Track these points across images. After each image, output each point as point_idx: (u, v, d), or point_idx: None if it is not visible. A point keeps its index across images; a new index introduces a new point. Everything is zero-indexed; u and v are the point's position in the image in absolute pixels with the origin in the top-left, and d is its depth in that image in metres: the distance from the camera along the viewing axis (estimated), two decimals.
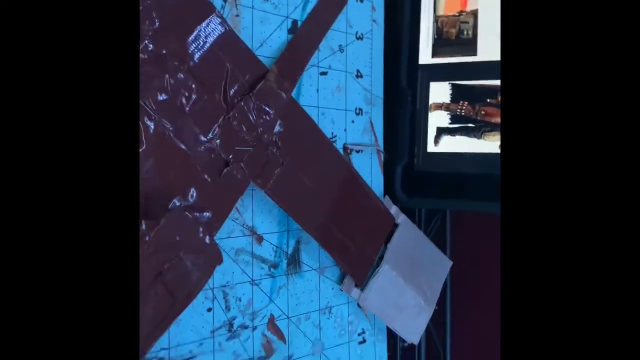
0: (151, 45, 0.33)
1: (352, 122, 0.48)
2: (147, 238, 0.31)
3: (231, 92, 0.37)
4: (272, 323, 0.41)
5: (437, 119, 0.50)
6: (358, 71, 0.48)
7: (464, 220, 0.59)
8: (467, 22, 0.49)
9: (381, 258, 0.46)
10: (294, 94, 0.42)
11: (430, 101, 0.50)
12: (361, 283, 0.45)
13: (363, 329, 0.49)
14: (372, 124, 0.50)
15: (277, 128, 0.40)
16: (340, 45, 0.47)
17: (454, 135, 0.49)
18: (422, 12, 0.51)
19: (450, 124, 0.49)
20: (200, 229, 0.34)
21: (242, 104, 0.37)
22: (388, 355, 0.51)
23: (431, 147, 0.50)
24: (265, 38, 0.41)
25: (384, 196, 0.50)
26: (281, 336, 0.42)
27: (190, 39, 0.35)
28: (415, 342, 0.49)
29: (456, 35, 0.49)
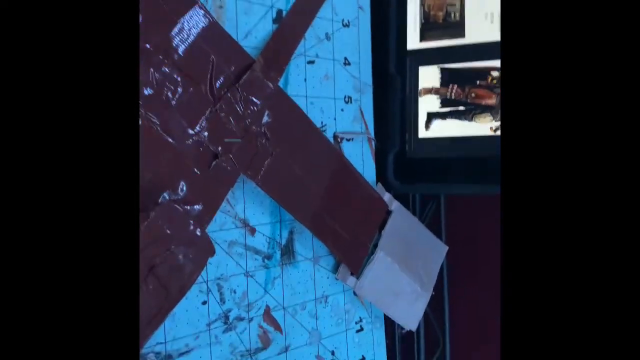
0: None
1: (342, 110, 0.48)
2: None
3: (217, 84, 0.37)
4: (268, 314, 0.41)
5: (428, 104, 0.50)
6: (346, 59, 0.48)
7: (458, 204, 0.59)
8: (454, 5, 0.48)
9: (376, 245, 0.46)
10: (281, 84, 0.42)
11: (420, 86, 0.50)
12: (356, 271, 0.45)
13: (360, 317, 0.49)
14: (362, 111, 0.49)
15: (265, 118, 0.39)
16: (327, 33, 0.47)
17: (445, 119, 0.49)
18: None
19: (440, 108, 0.49)
20: (191, 222, 0.34)
21: (229, 95, 0.37)
22: (386, 343, 0.51)
23: (422, 133, 0.50)
24: (250, 29, 0.41)
25: (377, 183, 0.50)
26: (277, 327, 0.42)
27: (174, 31, 0.35)
28: (413, 328, 0.49)
29: (443, 19, 0.49)
